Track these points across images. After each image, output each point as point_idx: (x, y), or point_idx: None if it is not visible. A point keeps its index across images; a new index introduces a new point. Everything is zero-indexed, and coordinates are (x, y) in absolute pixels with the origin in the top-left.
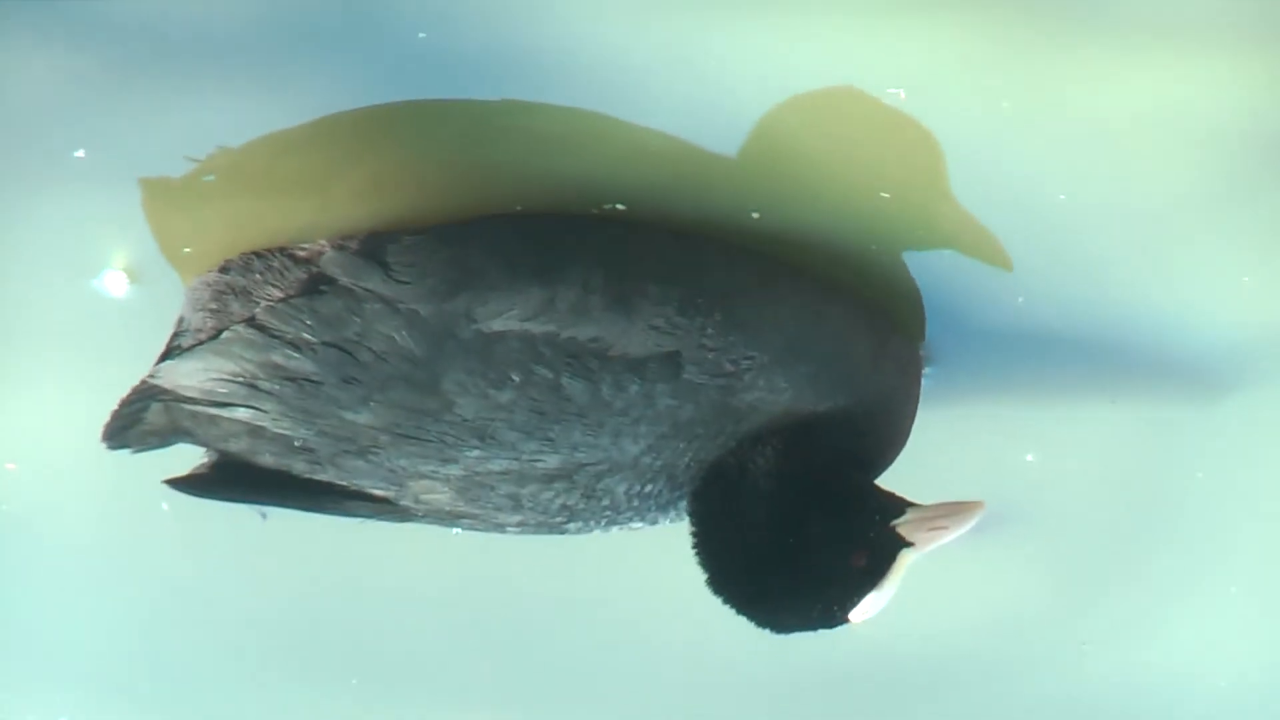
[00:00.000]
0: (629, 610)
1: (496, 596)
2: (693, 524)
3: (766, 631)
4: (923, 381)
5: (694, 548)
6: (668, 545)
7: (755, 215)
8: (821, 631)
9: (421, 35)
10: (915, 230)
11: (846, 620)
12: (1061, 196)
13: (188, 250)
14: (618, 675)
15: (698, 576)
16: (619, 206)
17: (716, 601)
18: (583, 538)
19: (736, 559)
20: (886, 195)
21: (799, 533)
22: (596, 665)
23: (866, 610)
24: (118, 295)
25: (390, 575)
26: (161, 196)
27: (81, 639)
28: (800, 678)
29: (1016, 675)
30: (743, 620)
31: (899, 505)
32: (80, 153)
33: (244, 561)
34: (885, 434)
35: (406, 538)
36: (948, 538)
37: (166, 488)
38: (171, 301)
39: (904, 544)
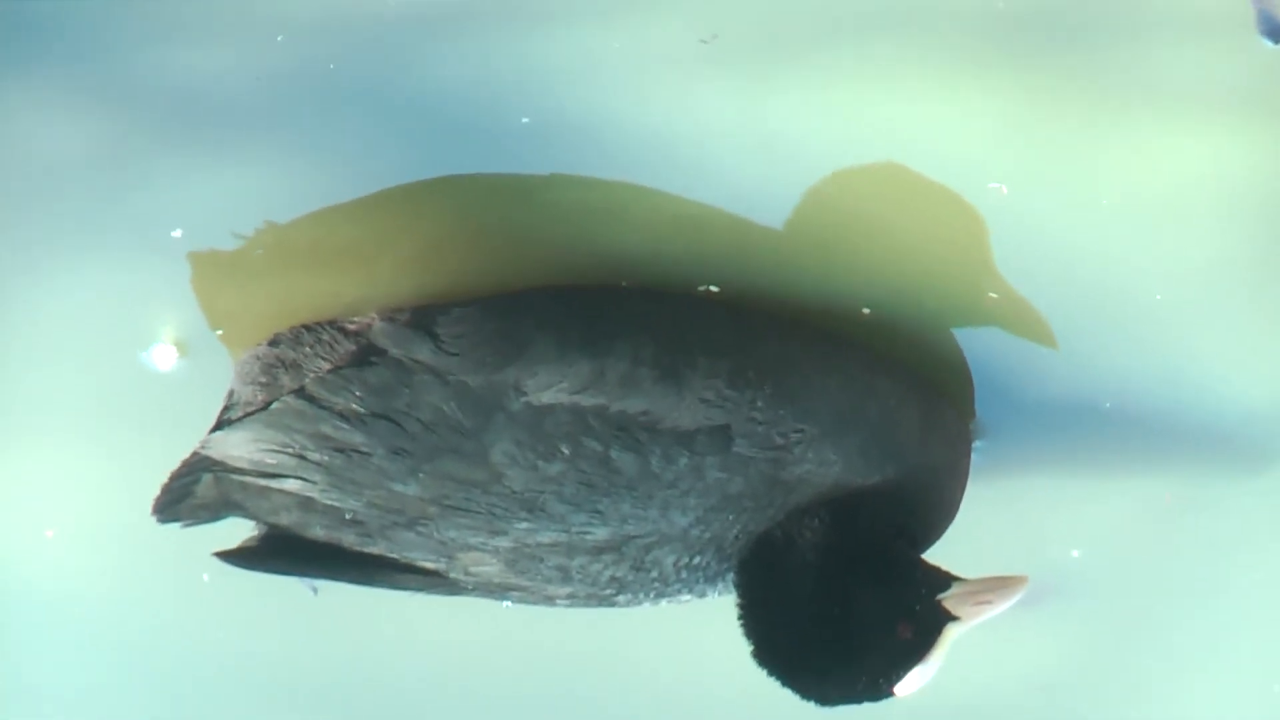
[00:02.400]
0: (672, 681)
1: (542, 668)
2: (738, 594)
3: (811, 704)
4: (972, 456)
5: (739, 618)
6: (710, 618)
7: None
8: (866, 704)
9: (469, 109)
10: (961, 306)
11: (891, 693)
12: (1107, 269)
13: (236, 324)
14: None
15: (742, 647)
16: (713, 289)
17: (761, 673)
18: (631, 610)
19: (782, 630)
20: (931, 272)
21: (845, 604)
22: None
23: (912, 683)
24: (166, 369)
25: (428, 649)
26: (210, 271)
27: (113, 707)
28: None
29: None
30: (786, 692)
31: (945, 579)
32: (178, 232)
33: (283, 633)
34: (933, 508)
35: (445, 611)
36: (993, 612)
37: (205, 558)
38: (220, 375)
39: (950, 618)
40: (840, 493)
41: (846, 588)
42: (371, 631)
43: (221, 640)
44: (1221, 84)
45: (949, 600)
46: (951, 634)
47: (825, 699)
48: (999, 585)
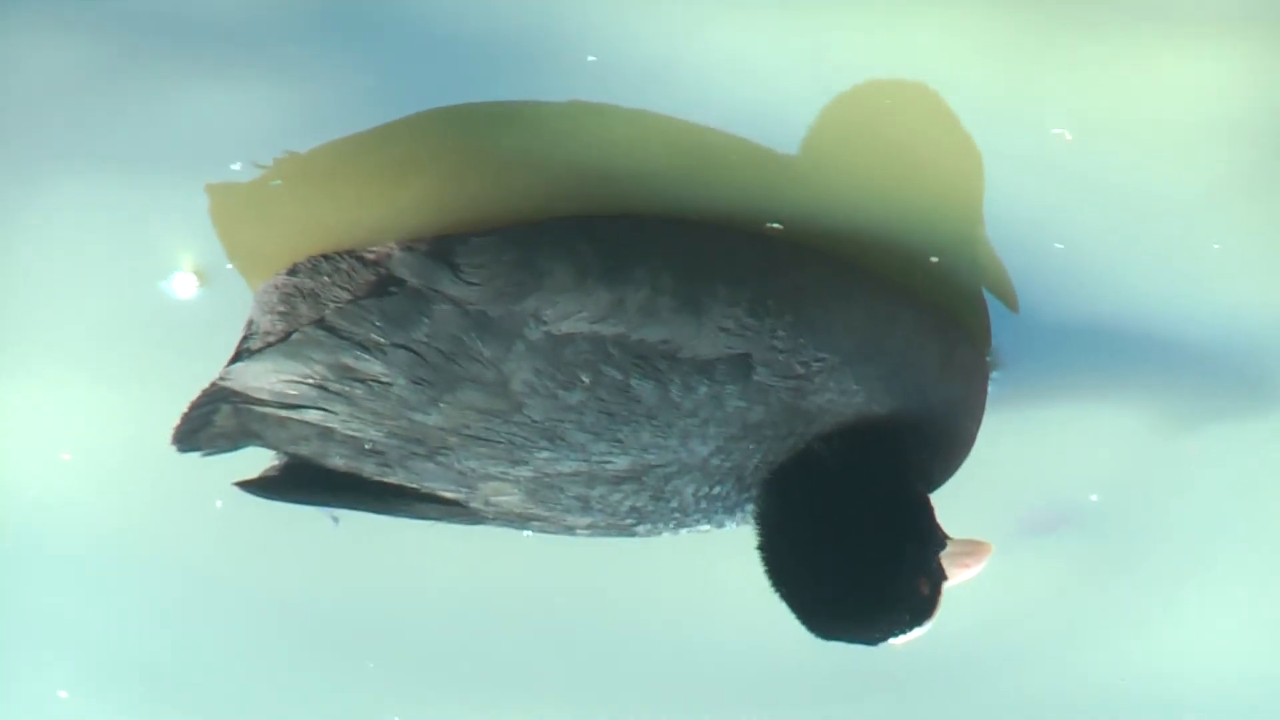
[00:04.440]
0: (668, 610)
1: (542, 596)
2: (762, 512)
3: (813, 635)
4: (989, 387)
5: (760, 538)
6: (726, 549)
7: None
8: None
9: (487, 37)
10: (950, 243)
11: (891, 642)
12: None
13: (254, 254)
14: (658, 673)
15: (753, 579)
16: (776, 225)
17: (766, 607)
18: (650, 540)
19: (806, 558)
20: (934, 202)
21: (881, 548)
22: (637, 664)
23: (912, 637)
24: (186, 297)
25: (445, 579)
26: (228, 201)
27: (119, 632)
28: (804, 678)
29: (1014, 672)
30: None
31: (943, 536)
32: (237, 165)
33: (293, 561)
34: (951, 445)
35: (458, 539)
36: (970, 575)
37: (218, 485)
38: (240, 305)
39: (944, 576)
40: (863, 424)
41: (883, 529)
42: (386, 561)
43: (233, 567)
44: (1199, 7)
45: (944, 557)
46: (943, 591)
47: (829, 634)
48: (974, 549)
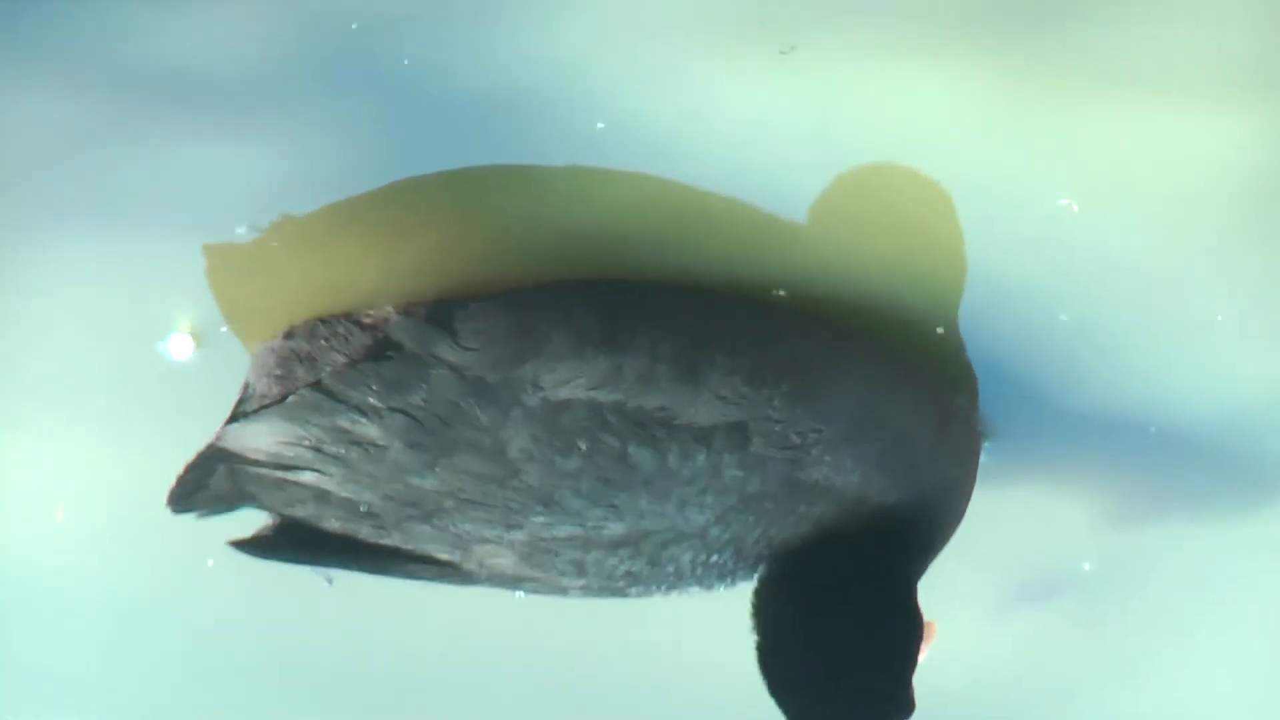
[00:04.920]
0: (678, 669)
1: (550, 656)
2: (758, 623)
3: None
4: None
5: (759, 653)
6: (718, 608)
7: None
8: None
9: (487, 101)
10: (941, 311)
11: None
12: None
13: (251, 316)
14: None
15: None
16: (780, 293)
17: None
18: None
19: (798, 672)
20: (932, 275)
21: (863, 654)
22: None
23: None
24: (182, 358)
25: (434, 636)
26: (225, 263)
27: (111, 688)
28: None
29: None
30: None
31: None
32: (241, 229)
33: (285, 619)
34: (943, 529)
35: (446, 599)
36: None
37: (209, 543)
38: (236, 367)
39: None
40: (862, 510)
41: (871, 634)
42: (376, 618)
43: (224, 625)
44: (1181, 69)
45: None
46: None
47: None
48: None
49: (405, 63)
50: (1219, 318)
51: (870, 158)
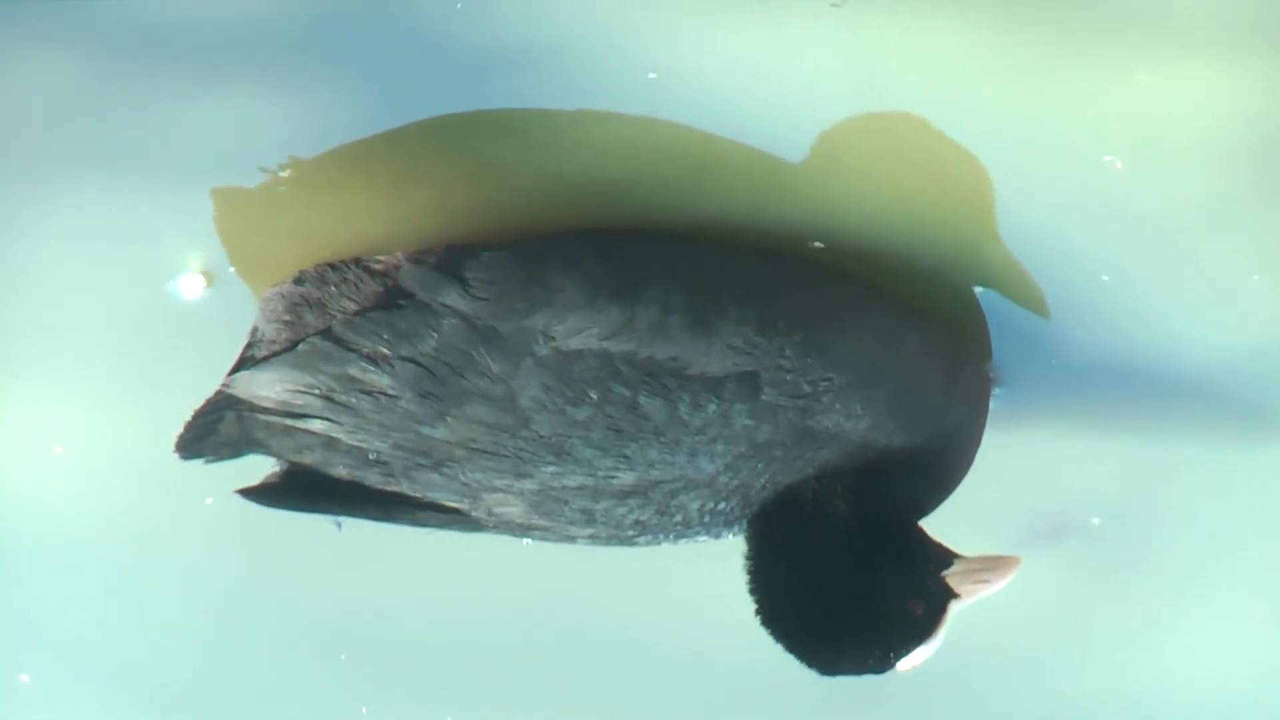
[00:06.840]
0: (682, 619)
1: (539, 601)
2: (750, 552)
3: (812, 672)
4: (991, 404)
5: (749, 578)
6: (725, 554)
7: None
8: (866, 676)
9: (498, 44)
10: (965, 265)
11: (895, 667)
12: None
13: (260, 260)
14: (654, 681)
15: (731, 595)
16: (817, 245)
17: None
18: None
19: (792, 597)
20: (944, 225)
21: (859, 576)
22: (634, 670)
23: (915, 659)
24: (192, 298)
25: (427, 584)
26: (233, 207)
27: (103, 622)
28: (801, 688)
29: (1013, 683)
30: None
31: (948, 556)
32: (249, 171)
33: (286, 559)
34: (950, 471)
35: (446, 544)
36: (990, 590)
37: (209, 482)
38: (246, 307)
39: (952, 595)
40: (867, 453)
41: (860, 559)
42: (373, 563)
43: (221, 565)
44: (1189, 21)
45: (951, 577)
46: (953, 611)
47: (830, 669)
48: (995, 564)
49: (412, 13)
50: (1256, 277)
51: (900, 109)
